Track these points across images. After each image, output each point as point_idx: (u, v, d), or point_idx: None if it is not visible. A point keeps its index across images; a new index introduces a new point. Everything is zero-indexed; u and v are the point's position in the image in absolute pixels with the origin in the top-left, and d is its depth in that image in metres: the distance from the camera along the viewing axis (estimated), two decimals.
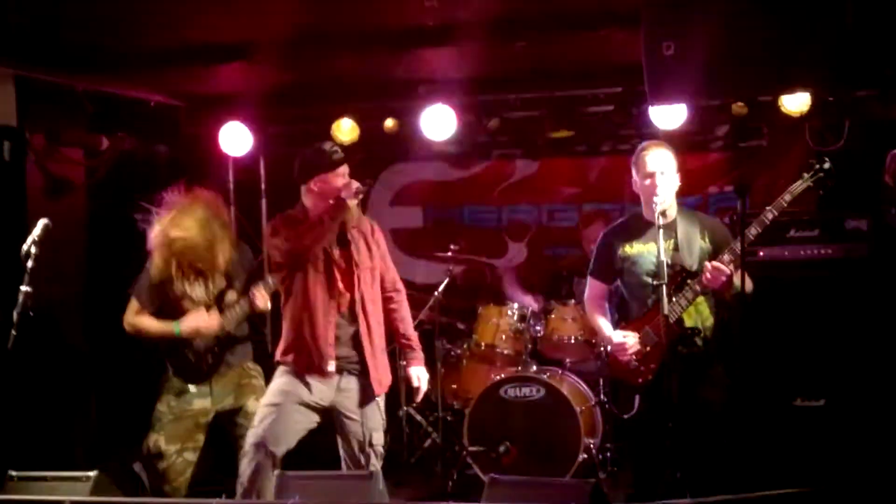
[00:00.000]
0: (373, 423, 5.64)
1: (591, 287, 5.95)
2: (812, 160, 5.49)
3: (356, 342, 5.64)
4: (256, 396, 6.05)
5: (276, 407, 5.60)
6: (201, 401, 6.03)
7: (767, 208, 5.37)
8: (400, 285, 5.94)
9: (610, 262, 5.77)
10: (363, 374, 5.64)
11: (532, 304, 8.12)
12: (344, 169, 5.64)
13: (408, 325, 5.96)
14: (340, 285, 5.61)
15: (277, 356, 5.72)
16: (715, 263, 5.34)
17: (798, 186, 5.42)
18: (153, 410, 6.06)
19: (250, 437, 5.60)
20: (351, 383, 5.65)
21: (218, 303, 6.01)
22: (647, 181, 5.52)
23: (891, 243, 6.40)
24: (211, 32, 6.65)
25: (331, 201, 5.54)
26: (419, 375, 5.93)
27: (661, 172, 5.50)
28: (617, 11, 6.03)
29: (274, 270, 5.73)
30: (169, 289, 5.98)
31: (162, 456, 5.97)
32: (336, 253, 5.64)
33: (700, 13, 4.72)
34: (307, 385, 5.62)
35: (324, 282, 5.60)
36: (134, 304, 6.05)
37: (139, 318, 6.03)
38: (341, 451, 5.71)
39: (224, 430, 6.16)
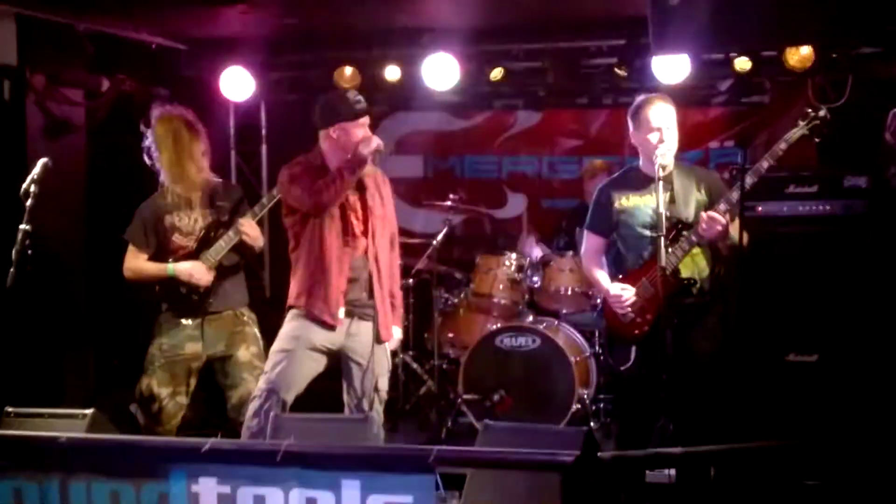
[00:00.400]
0: (379, 369, 5.65)
1: (588, 240, 5.94)
2: (808, 109, 5.49)
3: (368, 287, 5.63)
4: (248, 345, 6.08)
5: (287, 353, 5.60)
6: (193, 345, 6.05)
7: (763, 157, 5.38)
8: (396, 240, 5.91)
9: (607, 215, 5.76)
10: (373, 320, 5.64)
11: (542, 253, 8.13)
12: (365, 120, 5.57)
13: (395, 282, 5.89)
14: (356, 230, 5.60)
15: (290, 300, 5.68)
16: (710, 213, 5.35)
17: (794, 133, 5.42)
18: (146, 353, 6.10)
19: (262, 383, 5.60)
20: (361, 328, 5.64)
21: (207, 235, 6.03)
22: (652, 135, 5.50)
23: (889, 202, 6.40)
24: None
25: (349, 156, 5.48)
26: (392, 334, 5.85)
27: (666, 128, 5.50)
28: None
29: (287, 214, 5.70)
30: (159, 224, 6.01)
31: (154, 398, 6.01)
32: (352, 198, 5.61)
33: None
34: (318, 329, 5.60)
35: (339, 227, 5.56)
36: (132, 250, 6.08)
37: (135, 262, 6.06)
38: (345, 396, 5.72)
39: (213, 377, 6.18)
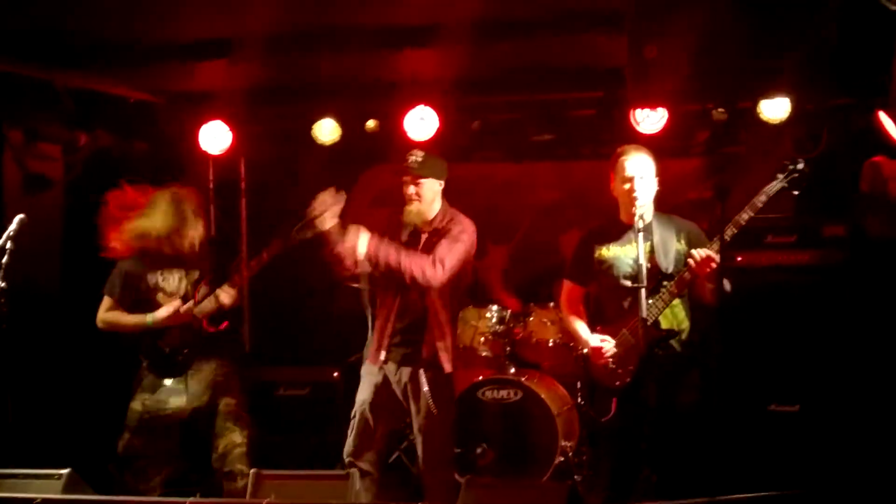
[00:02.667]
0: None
1: (568, 290, 5.97)
2: (786, 161, 5.53)
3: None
4: (231, 395, 6.06)
5: None
6: (176, 399, 6.01)
7: (743, 210, 5.40)
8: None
9: (587, 265, 5.79)
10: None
11: (512, 305, 8.12)
12: (410, 178, 6.06)
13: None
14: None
15: None
16: (705, 251, 5.35)
17: (773, 187, 5.46)
18: (127, 410, 6.04)
19: None
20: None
21: (188, 293, 6.00)
22: (626, 185, 5.53)
23: (867, 251, 6.43)
24: (192, 29, 6.63)
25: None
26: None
27: (640, 177, 5.52)
28: (601, 14, 6.04)
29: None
30: (141, 283, 5.98)
31: (135, 456, 5.95)
32: None
33: (683, 18, 4.73)
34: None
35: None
36: (106, 302, 6.06)
37: (111, 314, 6.03)
38: None
39: (197, 430, 6.13)
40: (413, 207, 5.99)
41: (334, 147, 8.33)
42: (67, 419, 7.73)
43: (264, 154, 9.17)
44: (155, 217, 6.01)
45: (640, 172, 5.54)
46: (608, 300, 5.77)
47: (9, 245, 5.15)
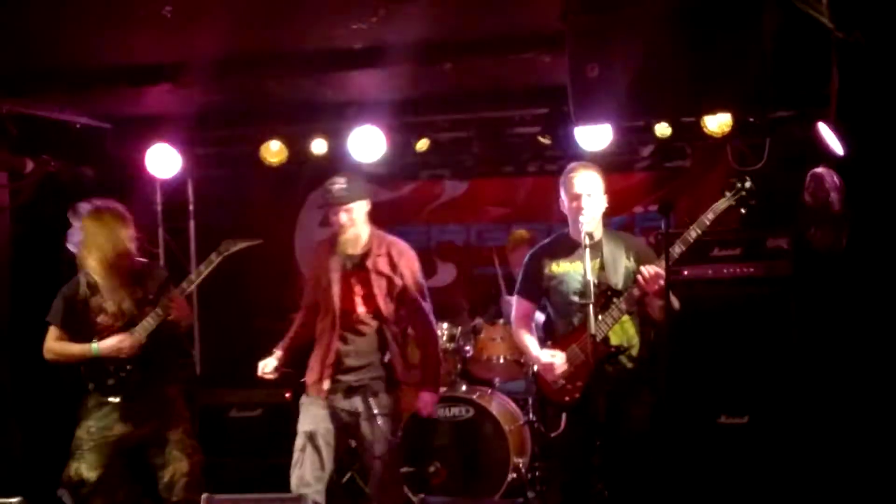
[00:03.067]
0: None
1: (518, 306, 5.99)
2: (733, 179, 5.60)
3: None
4: (178, 423, 6.04)
5: None
6: (122, 426, 5.97)
7: (691, 227, 5.46)
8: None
9: (537, 281, 5.82)
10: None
11: (460, 324, 8.15)
12: (339, 208, 5.93)
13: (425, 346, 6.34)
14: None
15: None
16: (653, 267, 5.40)
17: (720, 205, 5.52)
18: (73, 437, 6.00)
19: None
20: None
21: (133, 314, 5.97)
22: (574, 203, 5.59)
23: (810, 262, 6.52)
24: (137, 54, 6.61)
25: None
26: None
27: (587, 195, 5.57)
28: (543, 34, 6.09)
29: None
30: (83, 307, 5.95)
31: (84, 483, 5.91)
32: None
33: (623, 36, 4.79)
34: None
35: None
36: (52, 331, 6.01)
37: (57, 344, 5.99)
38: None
39: (145, 457, 6.10)
40: (349, 235, 5.93)
41: (282, 168, 8.34)
42: (18, 447, 7.67)
43: (212, 176, 9.16)
44: (87, 241, 5.99)
45: (588, 190, 5.58)
46: (558, 316, 5.80)
47: None
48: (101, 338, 5.92)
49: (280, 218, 9.70)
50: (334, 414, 5.97)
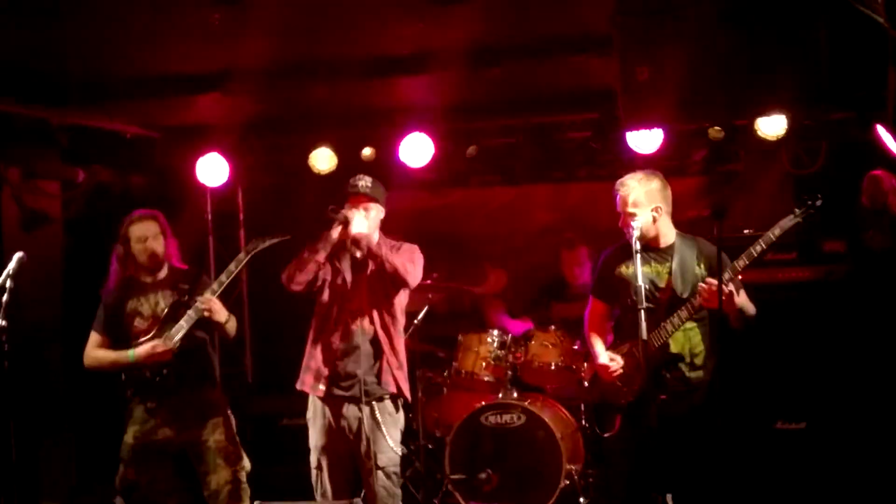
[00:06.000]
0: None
1: (592, 305, 6.00)
2: (805, 196, 5.47)
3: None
4: (221, 429, 6.06)
5: None
6: (163, 431, 6.01)
7: (756, 241, 5.36)
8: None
9: (609, 282, 5.82)
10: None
11: (521, 328, 8.10)
12: (360, 200, 5.97)
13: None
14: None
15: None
16: (711, 281, 5.32)
17: (788, 222, 5.39)
18: (121, 443, 6.05)
19: None
20: None
21: (167, 316, 6.00)
22: (621, 218, 5.56)
23: (868, 265, 6.43)
24: (186, 63, 6.64)
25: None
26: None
27: (632, 210, 5.54)
28: (592, 37, 6.06)
29: None
30: (120, 311, 5.99)
31: (134, 488, 5.96)
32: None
33: (674, 37, 4.73)
34: None
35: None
36: (93, 338, 6.09)
37: (95, 351, 6.05)
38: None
39: (190, 462, 6.13)
40: (359, 219, 5.89)
41: (331, 176, 8.34)
42: (70, 457, 7.73)
43: (262, 184, 9.19)
44: (130, 245, 6.06)
45: (634, 204, 5.57)
46: (625, 318, 5.77)
47: (8, 283, 5.13)
48: (136, 343, 5.96)
49: (330, 226, 9.69)
50: (340, 423, 5.94)
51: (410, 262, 5.96)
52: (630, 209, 5.56)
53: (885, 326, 6.32)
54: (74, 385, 7.72)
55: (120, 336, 6.03)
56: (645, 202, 5.58)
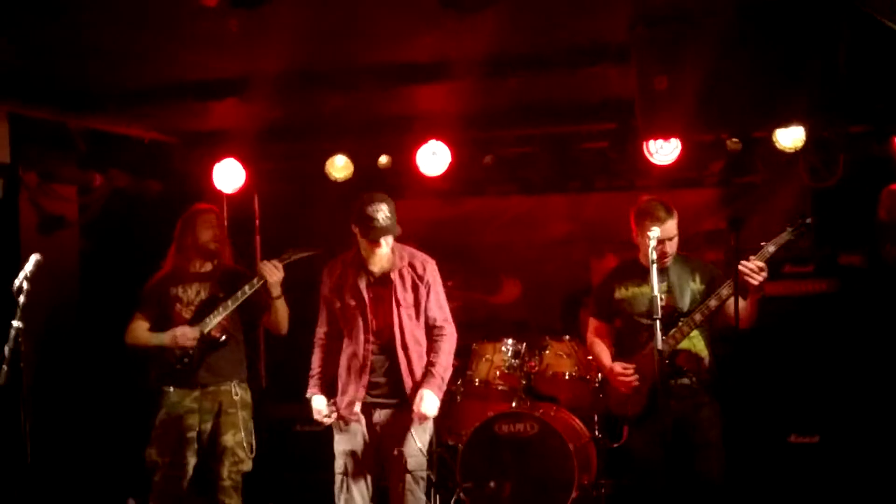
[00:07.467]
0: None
1: (592, 324, 6.14)
2: (797, 214, 5.51)
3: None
4: (235, 430, 6.12)
5: None
6: (191, 417, 6.13)
7: (752, 258, 5.37)
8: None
9: (607, 304, 5.95)
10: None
11: (525, 339, 8.09)
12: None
13: (436, 355, 6.02)
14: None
15: None
16: (756, 261, 5.34)
17: (781, 238, 5.46)
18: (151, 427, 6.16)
19: None
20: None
21: (204, 305, 6.13)
22: (657, 248, 5.51)
23: (885, 279, 6.40)
24: (204, 69, 6.65)
25: None
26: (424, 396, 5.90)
27: (669, 239, 5.60)
28: (610, 47, 6.04)
29: None
30: (163, 296, 6.07)
31: (154, 467, 6.11)
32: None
33: (692, 48, 4.73)
34: None
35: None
36: (136, 318, 6.30)
37: (135, 331, 6.26)
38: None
39: (207, 462, 6.19)
40: (380, 254, 5.92)
41: (347, 183, 8.35)
42: (87, 458, 7.74)
43: (278, 191, 9.20)
44: (189, 234, 6.31)
45: (669, 235, 5.61)
46: (626, 335, 5.88)
47: (25, 285, 5.14)
48: (172, 327, 6.11)
49: (345, 233, 9.70)
50: (369, 429, 5.95)
51: (444, 321, 6.12)
52: (669, 238, 5.62)
53: None
54: (91, 386, 7.74)
55: (160, 319, 6.19)
56: (675, 233, 5.67)
